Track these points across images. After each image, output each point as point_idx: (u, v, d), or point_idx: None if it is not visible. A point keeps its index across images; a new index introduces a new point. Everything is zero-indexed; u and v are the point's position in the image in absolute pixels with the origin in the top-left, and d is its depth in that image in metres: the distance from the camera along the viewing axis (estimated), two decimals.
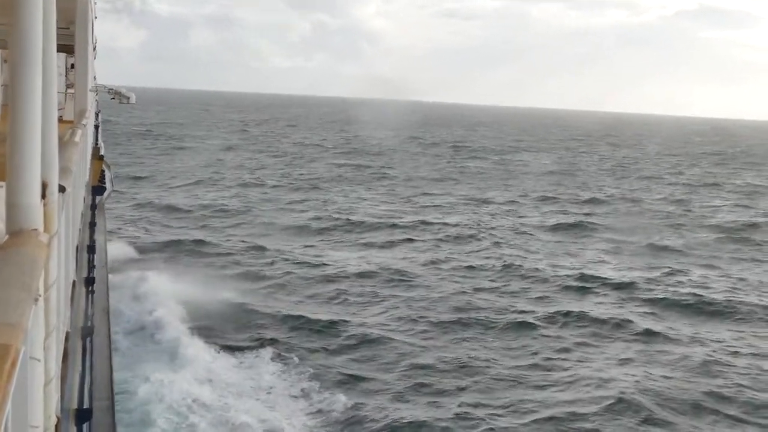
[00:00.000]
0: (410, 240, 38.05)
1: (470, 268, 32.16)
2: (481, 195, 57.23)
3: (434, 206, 50.28)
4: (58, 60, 5.32)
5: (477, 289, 28.74)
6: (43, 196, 3.59)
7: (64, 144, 7.05)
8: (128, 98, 26.25)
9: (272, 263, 31.53)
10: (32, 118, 3.35)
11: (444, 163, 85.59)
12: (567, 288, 29.34)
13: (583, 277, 30.70)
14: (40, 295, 2.95)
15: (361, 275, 30.01)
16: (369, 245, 36.86)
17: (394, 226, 41.78)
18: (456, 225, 42.37)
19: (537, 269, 31.93)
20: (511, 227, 43.17)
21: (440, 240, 38.35)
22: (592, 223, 45.56)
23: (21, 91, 3.33)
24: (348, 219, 43.20)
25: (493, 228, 42.25)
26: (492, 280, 30.45)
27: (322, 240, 37.90)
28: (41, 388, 3.28)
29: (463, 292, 28.12)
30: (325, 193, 54.62)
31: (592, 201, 56.27)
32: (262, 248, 33.98)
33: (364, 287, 28.48)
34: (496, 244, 37.82)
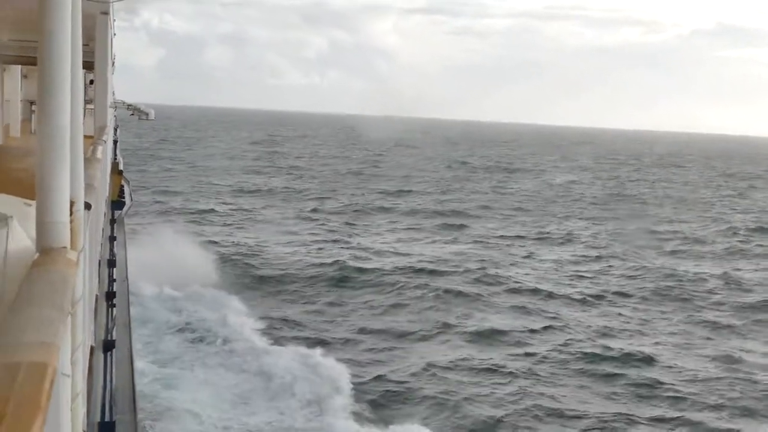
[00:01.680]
0: None
1: None
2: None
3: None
4: None
5: None
6: (70, 213, 3.64)
7: (87, 161, 7.13)
8: (147, 114, 26.42)
9: None
10: (62, 136, 3.40)
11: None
12: None
13: None
14: (69, 313, 3.00)
15: None
16: None
17: None
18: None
19: None
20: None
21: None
22: None
23: (50, 110, 3.38)
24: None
25: None
26: None
27: None
28: (69, 404, 3.32)
29: None
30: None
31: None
32: None
33: None
34: None
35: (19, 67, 24.19)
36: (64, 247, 3.33)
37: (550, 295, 31.63)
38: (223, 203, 55.48)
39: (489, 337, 25.86)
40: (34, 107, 25.75)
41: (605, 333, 27.00)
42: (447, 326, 26.69)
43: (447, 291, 30.69)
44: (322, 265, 34.88)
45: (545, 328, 27.07)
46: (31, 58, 19.74)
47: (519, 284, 33.05)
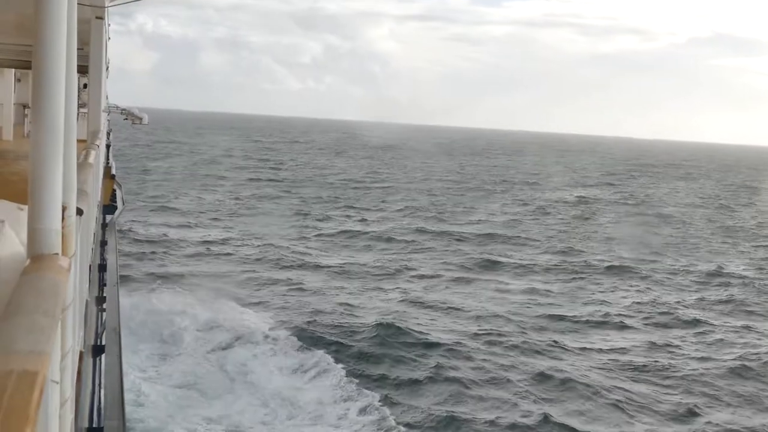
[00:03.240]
0: None
1: None
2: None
3: None
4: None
5: None
6: (62, 218, 3.62)
7: (79, 165, 7.11)
8: (141, 119, 26.39)
9: None
10: (55, 140, 3.38)
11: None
12: None
13: None
14: (59, 319, 2.98)
15: None
16: None
17: None
18: None
19: None
20: None
21: None
22: None
23: (44, 114, 3.36)
24: None
25: None
26: None
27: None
28: (58, 410, 3.30)
29: None
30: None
31: None
32: None
33: None
34: None
35: (13, 70, 24.15)
36: (56, 254, 3.31)
37: None
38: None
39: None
40: (27, 111, 25.71)
41: None
42: None
43: None
44: None
45: None
46: (24, 61, 19.71)
47: None
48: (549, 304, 34.42)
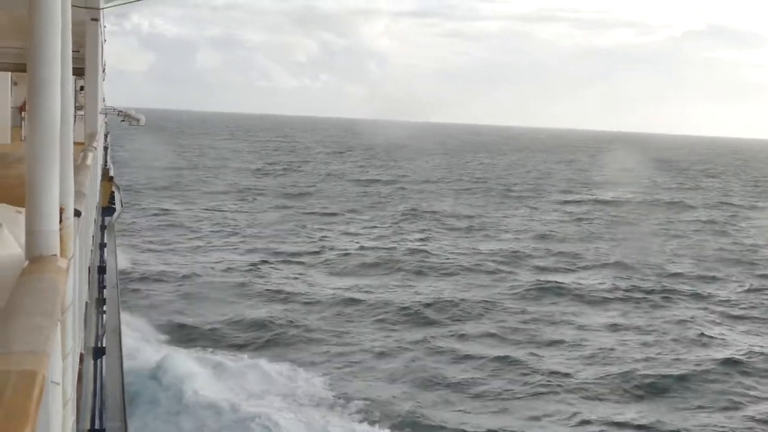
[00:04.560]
0: None
1: None
2: None
3: None
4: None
5: None
6: (60, 220, 3.64)
7: (77, 167, 7.12)
8: (138, 120, 26.41)
9: None
10: (51, 143, 3.40)
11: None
12: None
13: None
14: (59, 320, 3.00)
15: None
16: None
17: None
18: None
19: None
20: None
21: None
22: None
23: (40, 117, 3.38)
24: None
25: None
26: None
27: None
28: (60, 412, 3.31)
29: None
30: None
31: None
32: None
33: None
34: None
35: (9, 74, 24.14)
36: (54, 255, 3.32)
37: None
38: None
39: None
40: (23, 114, 25.69)
41: None
42: None
43: None
44: None
45: None
46: (20, 65, 19.71)
47: None
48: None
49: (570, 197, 74.48)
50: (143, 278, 33.27)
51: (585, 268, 40.04)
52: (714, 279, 38.85)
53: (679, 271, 40.00)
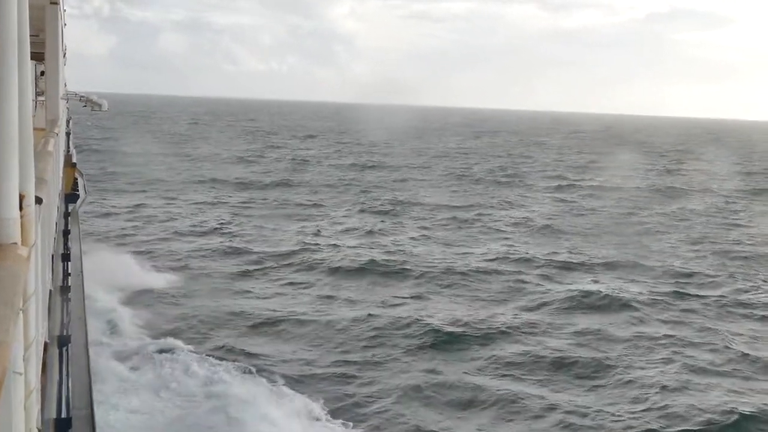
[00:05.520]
0: None
1: None
2: None
3: None
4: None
5: None
6: (20, 208, 3.59)
7: (38, 153, 7.02)
8: (100, 105, 26.05)
9: None
10: (9, 129, 3.34)
11: None
12: None
13: None
14: (21, 309, 2.95)
15: None
16: None
17: None
18: None
19: None
20: None
21: None
22: None
23: None
24: None
25: None
26: None
27: None
28: (23, 402, 3.28)
29: None
30: None
31: None
32: None
33: None
34: None
35: None
36: (14, 243, 3.27)
37: None
38: None
39: None
40: None
41: None
42: None
43: None
44: None
45: None
46: None
47: None
48: None
49: (556, 183, 71.23)
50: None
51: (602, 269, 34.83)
52: None
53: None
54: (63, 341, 8.36)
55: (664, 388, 20.92)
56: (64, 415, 7.23)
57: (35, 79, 22.52)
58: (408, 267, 33.40)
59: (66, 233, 13.69)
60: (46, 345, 5.59)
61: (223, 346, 23.13)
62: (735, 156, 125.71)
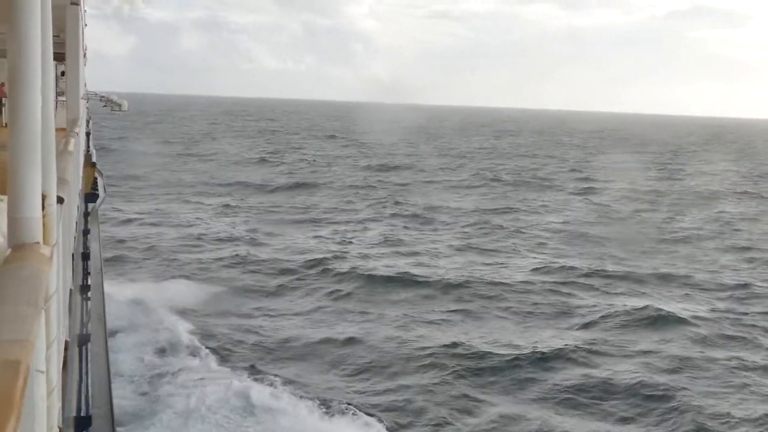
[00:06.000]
0: None
1: None
2: None
3: None
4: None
5: None
6: (42, 207, 3.61)
7: (59, 154, 7.06)
8: (120, 105, 26.19)
9: None
10: (33, 130, 3.36)
11: None
12: None
13: None
14: (43, 308, 2.97)
15: None
16: None
17: None
18: None
19: None
20: None
21: None
22: None
23: (21, 103, 3.34)
24: None
25: None
26: None
27: None
28: (44, 399, 3.30)
29: None
30: None
31: None
32: None
33: None
34: None
35: None
36: (37, 243, 3.30)
37: None
38: None
39: None
40: (4, 101, 25.42)
41: None
42: None
43: None
44: None
45: None
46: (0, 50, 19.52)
47: None
48: None
49: (586, 184, 69.39)
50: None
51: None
52: None
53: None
54: (83, 340, 8.41)
55: (742, 420, 19.25)
56: (84, 413, 7.27)
57: (56, 79, 22.68)
58: (444, 278, 31.49)
59: (86, 232, 13.78)
60: (66, 343, 5.62)
61: (251, 364, 21.95)
62: (762, 156, 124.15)
